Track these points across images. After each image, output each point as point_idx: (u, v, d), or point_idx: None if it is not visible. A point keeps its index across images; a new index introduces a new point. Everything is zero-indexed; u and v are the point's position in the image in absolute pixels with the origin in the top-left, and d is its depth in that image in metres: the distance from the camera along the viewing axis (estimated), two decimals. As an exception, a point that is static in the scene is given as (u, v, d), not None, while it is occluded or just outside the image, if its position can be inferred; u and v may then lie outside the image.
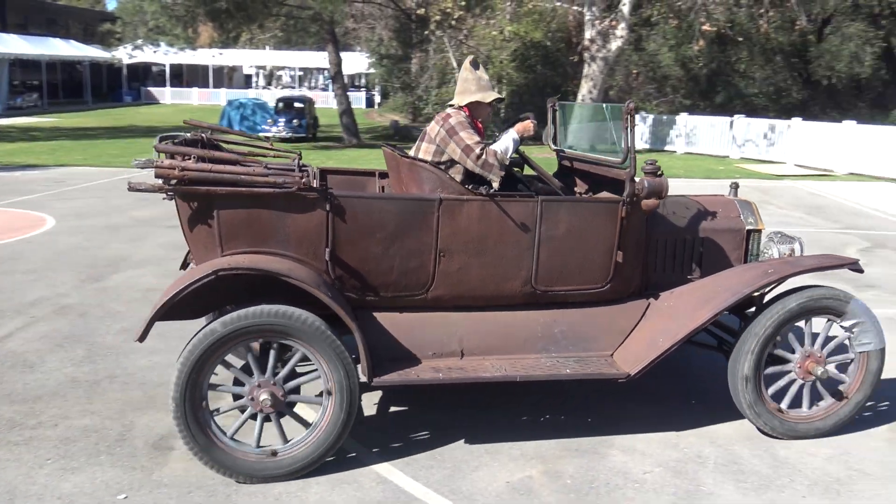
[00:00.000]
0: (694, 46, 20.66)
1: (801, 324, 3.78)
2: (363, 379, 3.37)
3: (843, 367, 3.89)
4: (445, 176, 3.64)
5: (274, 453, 3.32)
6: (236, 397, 3.37)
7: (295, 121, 23.77)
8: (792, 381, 3.81)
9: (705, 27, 19.66)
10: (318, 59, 39.04)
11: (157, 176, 3.17)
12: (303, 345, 3.28)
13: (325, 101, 40.99)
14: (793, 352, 3.82)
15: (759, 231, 4.30)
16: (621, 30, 19.79)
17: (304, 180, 3.30)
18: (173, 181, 3.19)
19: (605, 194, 4.11)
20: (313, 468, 3.36)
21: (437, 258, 3.58)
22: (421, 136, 4.09)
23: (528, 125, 4.15)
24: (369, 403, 4.13)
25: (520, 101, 29.52)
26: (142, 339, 3.22)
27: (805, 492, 3.33)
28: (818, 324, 3.79)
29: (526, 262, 3.69)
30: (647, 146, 23.23)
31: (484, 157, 3.73)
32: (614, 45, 20.00)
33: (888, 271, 7.50)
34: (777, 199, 12.63)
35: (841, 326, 3.82)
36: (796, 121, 19.00)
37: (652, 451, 3.67)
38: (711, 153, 20.90)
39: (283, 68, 54.28)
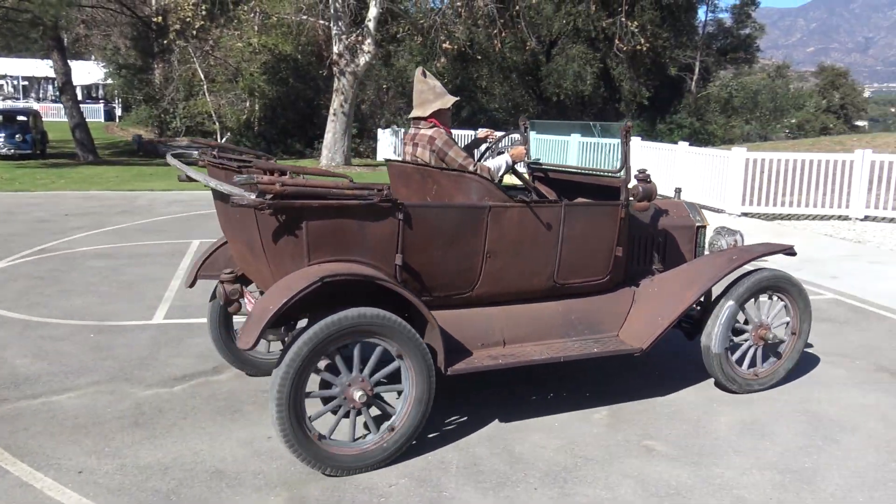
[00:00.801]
0: (437, 63, 21.59)
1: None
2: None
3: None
4: (492, 185, 4.06)
5: None
6: (326, 400, 3.62)
7: (18, 136, 21.37)
8: (749, 347, 4.70)
9: (446, 45, 20.63)
10: (46, 67, 35.41)
11: (261, 192, 3.27)
12: (388, 342, 3.57)
13: (58, 114, 37.33)
14: (747, 323, 4.67)
15: (705, 227, 5.14)
16: (368, 45, 20.17)
17: (384, 192, 3.57)
18: (269, 196, 3.30)
19: (580, 201, 4.58)
20: (398, 455, 3.68)
21: (483, 259, 4.02)
22: (412, 161, 4.46)
23: (521, 151, 4.69)
24: (78, 447, 3.75)
25: (272, 114, 29.05)
26: (254, 345, 3.30)
27: (537, 483, 3.53)
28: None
29: (551, 260, 4.23)
30: (400, 159, 23.85)
31: (478, 172, 4.11)
32: (362, 60, 20.32)
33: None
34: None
35: (781, 299, 4.74)
36: (532, 134, 20.55)
37: (397, 461, 3.70)
38: (459, 165, 22.00)
39: (3, 77, 48.64)
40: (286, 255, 3.52)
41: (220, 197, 3.91)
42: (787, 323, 4.78)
